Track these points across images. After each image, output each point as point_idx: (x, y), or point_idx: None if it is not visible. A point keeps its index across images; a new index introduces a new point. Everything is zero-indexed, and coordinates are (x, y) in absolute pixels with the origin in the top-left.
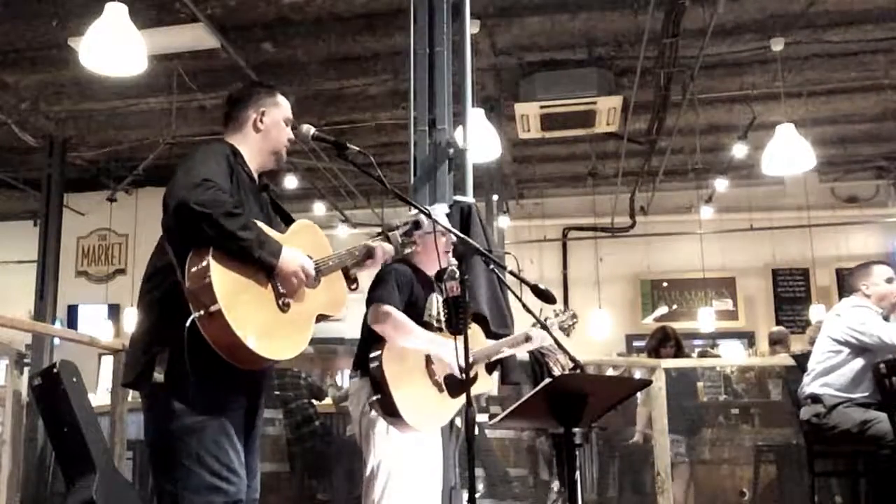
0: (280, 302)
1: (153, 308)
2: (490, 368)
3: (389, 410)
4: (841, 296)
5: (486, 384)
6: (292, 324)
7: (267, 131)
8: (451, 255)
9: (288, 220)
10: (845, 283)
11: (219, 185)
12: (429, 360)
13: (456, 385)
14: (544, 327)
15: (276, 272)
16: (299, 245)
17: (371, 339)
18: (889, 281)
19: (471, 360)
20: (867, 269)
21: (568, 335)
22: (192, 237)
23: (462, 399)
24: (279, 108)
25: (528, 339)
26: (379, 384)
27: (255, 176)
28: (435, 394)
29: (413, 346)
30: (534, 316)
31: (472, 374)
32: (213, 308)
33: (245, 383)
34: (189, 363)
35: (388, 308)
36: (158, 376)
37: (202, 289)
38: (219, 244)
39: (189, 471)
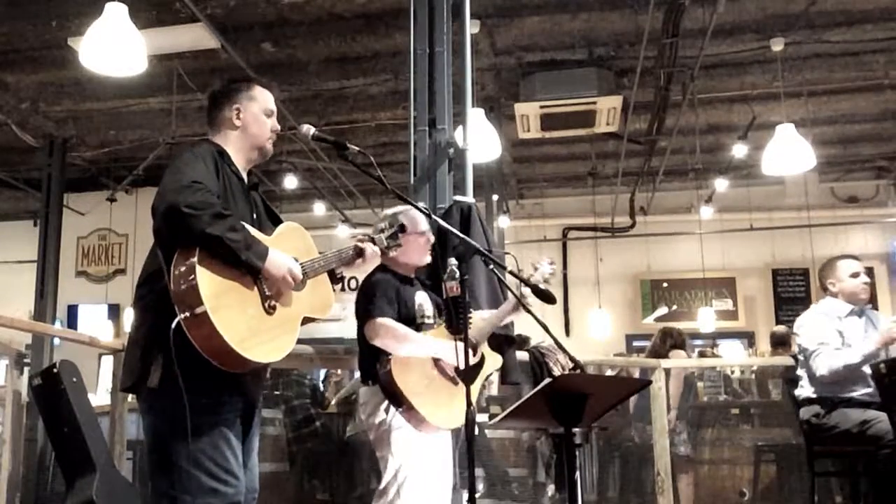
0: (266, 304)
1: (147, 312)
2: (496, 348)
3: (415, 419)
4: None
5: (495, 361)
6: (278, 326)
7: (245, 128)
8: (430, 254)
9: (277, 221)
10: (818, 281)
11: (207, 186)
12: (435, 359)
13: (468, 374)
14: (543, 326)
15: (262, 275)
16: (286, 247)
17: (373, 351)
18: (854, 276)
19: (474, 343)
20: (831, 265)
21: (548, 283)
22: (181, 239)
23: (477, 385)
24: (255, 102)
25: (516, 306)
26: (397, 398)
27: (244, 175)
28: (450, 388)
29: (415, 353)
30: (530, 313)
31: (478, 357)
32: (198, 310)
33: (240, 384)
34: (178, 365)
35: (383, 321)
36: (154, 381)
37: (187, 291)
38: (206, 246)
39: (187, 473)
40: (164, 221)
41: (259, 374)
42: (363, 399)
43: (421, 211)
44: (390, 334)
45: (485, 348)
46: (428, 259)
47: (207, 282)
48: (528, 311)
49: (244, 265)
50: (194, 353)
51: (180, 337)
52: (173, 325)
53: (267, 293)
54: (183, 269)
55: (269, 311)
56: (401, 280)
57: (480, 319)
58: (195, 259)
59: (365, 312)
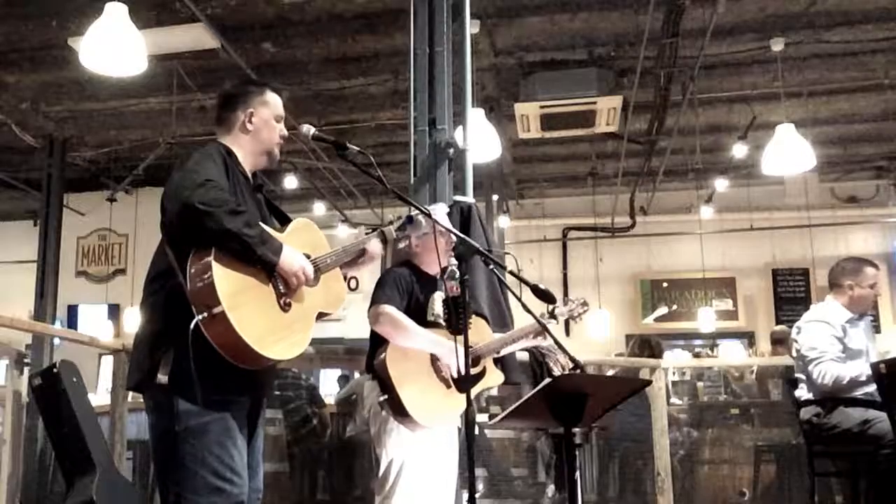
0: (281, 301)
1: (156, 311)
2: (496, 363)
3: (397, 409)
4: None
5: (496, 378)
6: (294, 323)
7: (257, 132)
8: (451, 253)
9: (283, 219)
10: (829, 276)
11: (220, 184)
12: (434, 358)
13: (466, 373)
14: (544, 328)
15: (276, 271)
16: (297, 243)
17: (376, 341)
18: (872, 286)
19: (477, 355)
20: (859, 268)
21: (576, 322)
22: (197, 237)
23: (472, 394)
24: (268, 107)
25: (538, 332)
26: (385, 384)
27: (250, 175)
28: (442, 390)
29: (413, 346)
30: (533, 316)
31: (480, 368)
32: (216, 310)
33: (248, 383)
34: (194, 365)
35: (386, 308)
36: (163, 378)
37: (204, 290)
38: (222, 243)
39: (193, 472)
40: (180, 220)
41: (270, 370)
42: (365, 392)
43: (422, 211)
44: (390, 322)
45: (489, 363)
46: (446, 261)
47: (224, 280)
48: (530, 313)
49: (259, 261)
50: (206, 351)
51: (194, 335)
52: (192, 325)
53: (282, 290)
54: (199, 267)
55: (285, 307)
56: (420, 276)
57: (493, 333)
58: (211, 258)
59: (373, 299)
